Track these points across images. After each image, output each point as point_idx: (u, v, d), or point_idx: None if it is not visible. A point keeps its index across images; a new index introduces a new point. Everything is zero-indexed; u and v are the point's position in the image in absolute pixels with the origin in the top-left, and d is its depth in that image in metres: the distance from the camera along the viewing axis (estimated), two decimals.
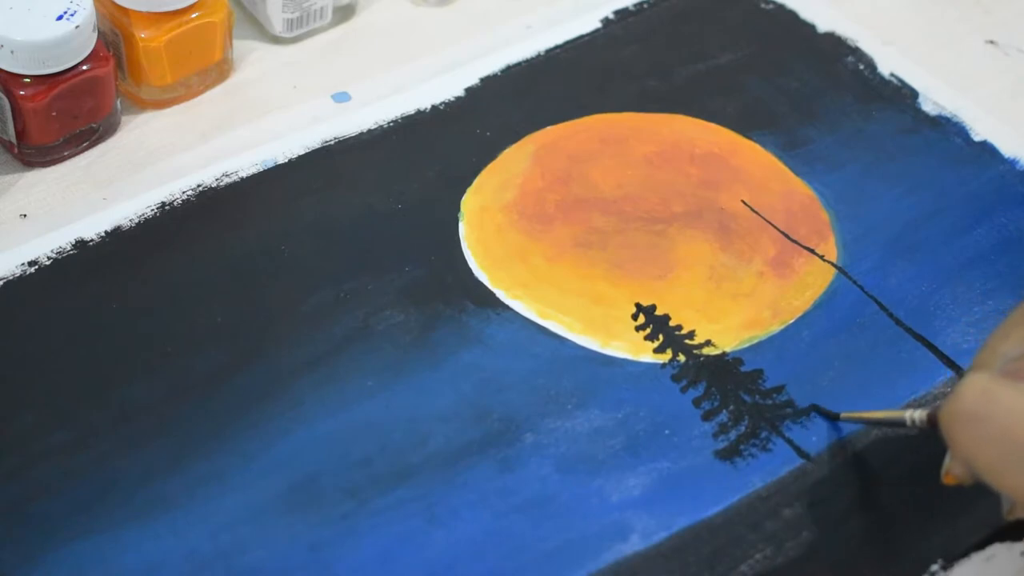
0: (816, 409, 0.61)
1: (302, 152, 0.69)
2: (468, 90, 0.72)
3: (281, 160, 0.69)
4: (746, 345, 0.63)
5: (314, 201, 0.67)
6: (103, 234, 0.65)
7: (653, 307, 0.64)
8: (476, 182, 0.69)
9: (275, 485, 0.58)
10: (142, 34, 0.68)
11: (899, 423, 0.56)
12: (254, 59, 0.74)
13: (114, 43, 0.69)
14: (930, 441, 0.60)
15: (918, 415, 0.55)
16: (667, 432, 0.60)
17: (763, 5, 0.77)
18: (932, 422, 0.54)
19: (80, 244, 0.65)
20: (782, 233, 0.67)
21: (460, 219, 0.67)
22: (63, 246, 0.65)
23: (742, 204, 0.68)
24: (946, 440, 0.51)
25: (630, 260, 0.66)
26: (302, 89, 0.72)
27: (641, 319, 0.64)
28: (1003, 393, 0.49)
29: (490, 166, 0.69)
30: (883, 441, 0.60)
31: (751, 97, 0.73)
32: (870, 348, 0.63)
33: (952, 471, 0.54)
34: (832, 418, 0.60)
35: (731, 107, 0.72)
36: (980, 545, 0.57)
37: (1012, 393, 0.49)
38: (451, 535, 0.57)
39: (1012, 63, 0.76)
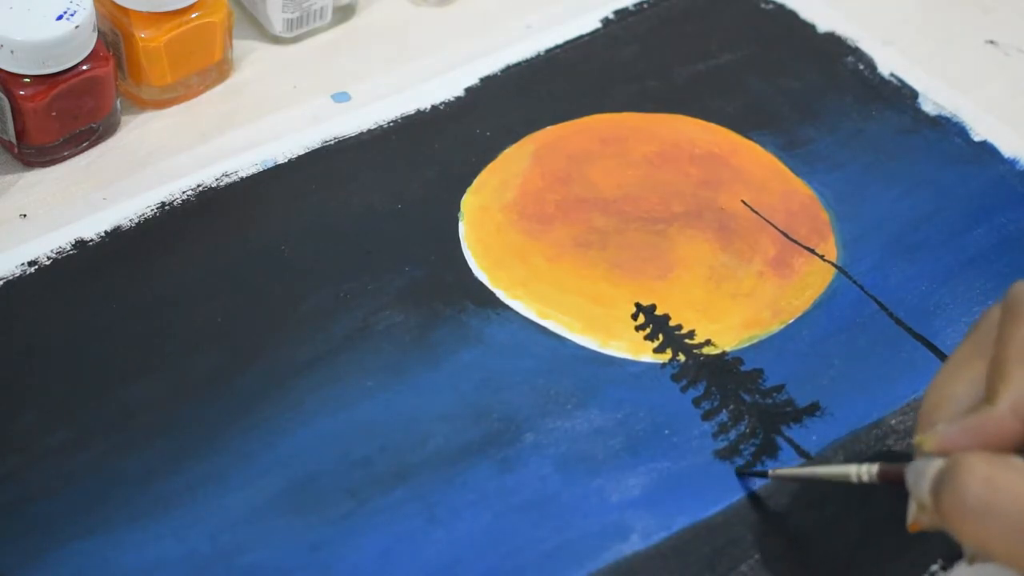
0: (742, 472, 0.59)
1: (302, 152, 0.69)
2: (468, 90, 0.73)
3: (281, 160, 0.69)
4: (746, 345, 0.63)
5: (314, 201, 0.67)
6: (103, 234, 0.65)
7: (653, 307, 0.64)
8: (476, 182, 0.69)
9: (275, 485, 0.58)
10: (142, 34, 0.68)
11: (841, 479, 0.54)
12: (254, 59, 0.74)
13: (114, 43, 0.69)
14: None
15: (865, 470, 0.53)
16: (667, 432, 0.60)
17: (763, 5, 0.77)
18: (884, 478, 0.53)
19: (80, 244, 0.65)
20: (782, 233, 0.67)
21: (460, 219, 0.67)
22: (63, 246, 0.65)
23: (742, 204, 0.68)
24: (952, 532, 0.49)
25: (630, 260, 0.66)
26: (302, 89, 0.72)
27: (641, 319, 0.64)
28: (1006, 479, 0.47)
29: (490, 166, 0.69)
30: (883, 441, 0.60)
31: (751, 97, 0.73)
32: (870, 348, 0.63)
33: (919, 521, 0.52)
34: (760, 476, 0.58)
35: (731, 107, 0.72)
36: None
37: (1014, 477, 0.47)
38: (451, 535, 0.57)
39: (1012, 63, 0.76)
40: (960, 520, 0.48)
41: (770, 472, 0.58)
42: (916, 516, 0.52)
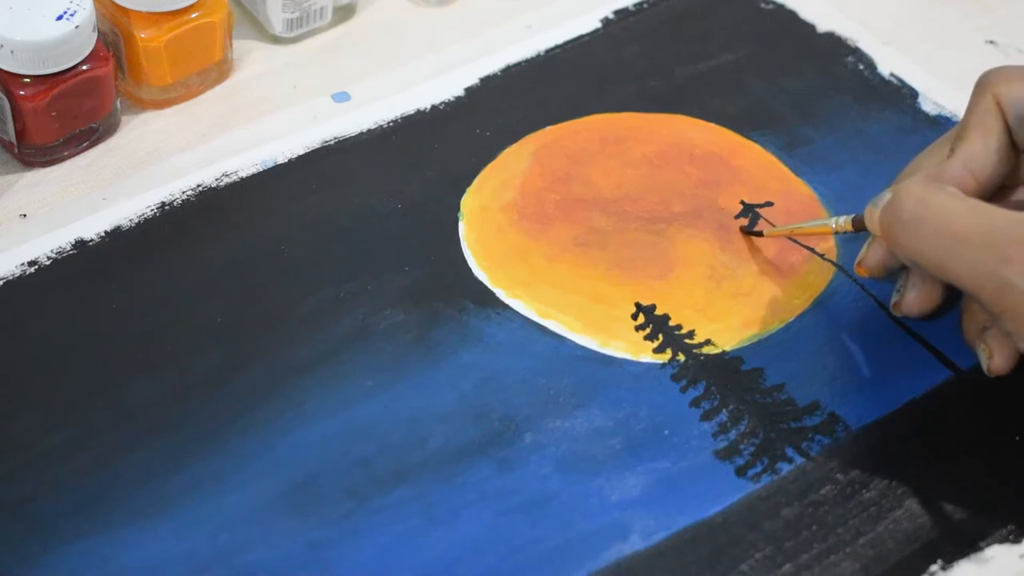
0: (744, 230, 0.67)
1: (302, 152, 0.69)
2: (468, 90, 0.73)
3: (281, 160, 0.69)
4: (746, 344, 0.63)
5: (314, 201, 0.67)
6: (103, 234, 0.65)
7: (653, 307, 0.64)
8: (476, 182, 0.69)
9: (275, 485, 0.58)
10: (142, 34, 0.68)
11: (823, 231, 0.63)
12: (254, 59, 0.74)
13: (114, 43, 0.69)
14: (931, 442, 0.60)
15: (842, 221, 0.62)
16: (667, 432, 0.60)
17: (763, 5, 0.77)
18: (856, 226, 0.61)
19: (80, 244, 0.65)
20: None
21: (460, 219, 0.67)
22: (63, 246, 0.65)
23: (742, 204, 0.68)
24: (889, 245, 0.58)
25: (630, 260, 0.66)
26: (302, 89, 0.72)
27: (641, 319, 0.64)
28: (935, 197, 0.56)
29: (490, 166, 0.69)
30: (883, 441, 0.60)
31: (751, 97, 0.73)
32: (869, 347, 0.63)
33: (865, 263, 0.61)
34: (756, 235, 0.66)
35: (731, 107, 0.72)
36: (980, 547, 0.57)
37: (943, 195, 0.56)
38: (451, 535, 0.57)
39: (1012, 63, 0.75)
40: (895, 232, 0.56)
41: (765, 232, 0.66)
42: (862, 254, 0.61)
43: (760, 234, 0.66)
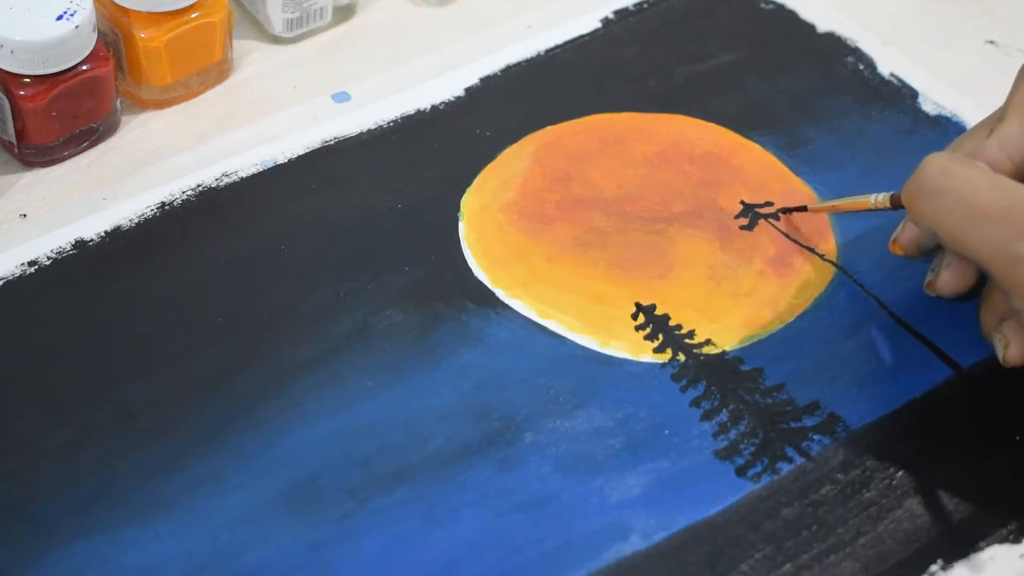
0: (783, 209, 0.67)
1: (302, 152, 0.69)
2: (468, 90, 0.73)
3: (281, 160, 0.69)
4: (746, 344, 0.63)
5: (314, 201, 0.67)
6: (103, 234, 0.65)
7: (653, 307, 0.64)
8: (476, 182, 0.69)
9: (275, 485, 0.58)
10: (142, 34, 0.68)
11: (864, 206, 0.63)
12: (254, 59, 0.74)
13: (114, 43, 0.69)
14: (931, 442, 0.60)
15: (881, 198, 0.62)
16: (667, 432, 0.60)
17: (763, 5, 0.77)
18: (894, 203, 0.61)
19: (80, 244, 0.65)
20: (782, 233, 0.67)
21: (460, 219, 0.67)
22: (63, 246, 0.65)
23: (742, 204, 0.68)
24: (910, 214, 0.58)
25: (630, 260, 0.66)
26: (302, 89, 0.72)
27: (641, 319, 0.64)
28: (959, 168, 0.56)
29: (490, 166, 0.69)
30: (883, 441, 0.60)
31: (751, 97, 0.73)
32: (870, 346, 0.63)
33: (899, 240, 0.62)
34: (800, 210, 0.67)
35: (731, 107, 0.72)
36: (980, 547, 0.57)
37: (966, 168, 0.56)
38: (451, 535, 0.57)
39: (1012, 63, 0.75)
40: (917, 201, 0.57)
41: (809, 207, 0.67)
42: (897, 231, 0.62)
43: (804, 208, 0.67)
